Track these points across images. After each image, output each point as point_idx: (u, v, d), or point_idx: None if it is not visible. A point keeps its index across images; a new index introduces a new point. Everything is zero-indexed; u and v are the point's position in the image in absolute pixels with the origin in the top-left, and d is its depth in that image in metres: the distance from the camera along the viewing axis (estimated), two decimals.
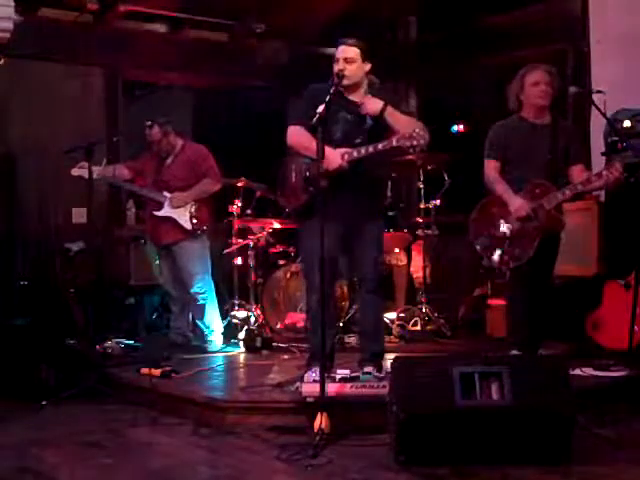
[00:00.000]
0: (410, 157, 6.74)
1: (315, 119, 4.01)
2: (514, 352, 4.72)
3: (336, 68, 4.48)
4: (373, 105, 4.49)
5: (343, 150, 4.44)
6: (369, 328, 4.72)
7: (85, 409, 4.65)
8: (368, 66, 4.55)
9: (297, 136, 4.56)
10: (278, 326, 6.28)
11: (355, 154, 4.43)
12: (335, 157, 4.39)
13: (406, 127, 4.36)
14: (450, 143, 5.28)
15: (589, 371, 4.56)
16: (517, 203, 4.66)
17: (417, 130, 4.24)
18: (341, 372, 4.14)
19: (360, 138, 4.50)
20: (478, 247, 4.83)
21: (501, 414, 3.41)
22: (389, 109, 4.46)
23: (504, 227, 4.73)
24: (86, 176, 5.34)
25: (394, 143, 4.32)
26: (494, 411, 3.42)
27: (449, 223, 6.46)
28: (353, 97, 4.57)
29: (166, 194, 5.83)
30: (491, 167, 4.84)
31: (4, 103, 6.84)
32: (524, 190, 4.70)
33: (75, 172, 5.69)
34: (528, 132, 4.80)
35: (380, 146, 4.39)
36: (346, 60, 4.48)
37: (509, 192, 4.72)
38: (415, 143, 4.24)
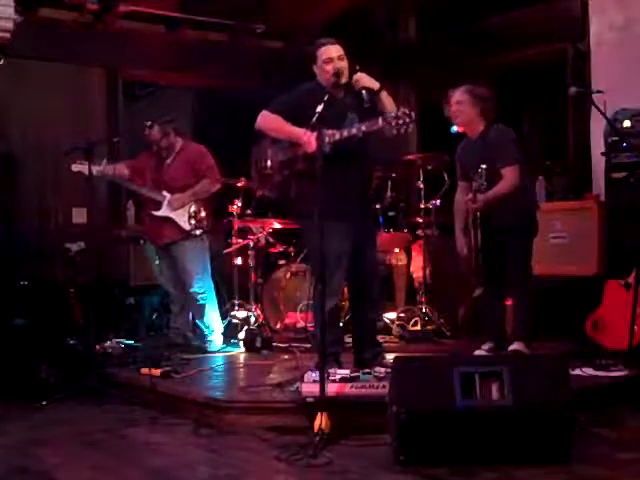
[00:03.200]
0: (410, 157, 6.77)
1: (315, 118, 4.00)
2: (488, 344, 5.06)
3: (332, 67, 4.48)
4: (370, 79, 4.50)
5: (329, 132, 4.35)
6: (372, 328, 4.77)
7: (85, 409, 4.66)
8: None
9: (268, 120, 4.63)
10: (278, 326, 6.28)
11: (337, 136, 4.37)
12: (311, 139, 4.28)
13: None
14: (450, 143, 5.29)
15: (589, 371, 4.56)
16: (459, 245, 5.12)
17: (403, 109, 4.17)
18: (341, 372, 4.14)
19: (353, 117, 4.50)
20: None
21: (501, 414, 3.41)
22: (384, 90, 4.49)
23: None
24: (86, 172, 5.34)
25: (380, 123, 4.25)
26: (494, 411, 3.42)
27: (449, 223, 6.45)
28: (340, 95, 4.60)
29: (165, 194, 5.83)
30: (459, 188, 5.22)
31: (4, 103, 6.84)
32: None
33: (75, 168, 5.67)
34: (469, 148, 5.09)
35: (364, 127, 4.34)
36: (340, 58, 4.52)
37: (459, 232, 5.13)
38: (401, 122, 4.14)
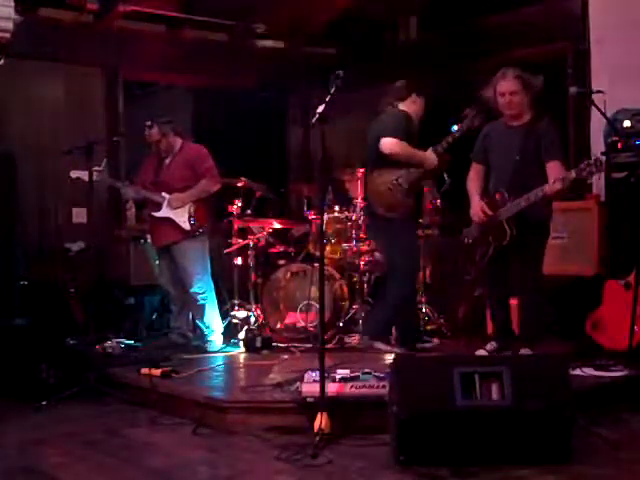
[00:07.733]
0: None
1: (315, 118, 4.02)
2: (491, 344, 5.06)
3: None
4: None
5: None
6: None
7: (85, 409, 4.66)
8: None
9: (401, 146, 5.21)
10: (278, 326, 6.28)
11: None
12: (431, 155, 5.31)
13: None
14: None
15: (589, 371, 4.56)
16: (475, 208, 4.95)
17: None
18: (341, 372, 4.14)
19: None
20: (466, 238, 5.16)
21: (501, 414, 3.41)
22: None
23: (473, 230, 5.06)
24: (85, 178, 5.33)
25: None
26: (494, 411, 3.42)
27: (449, 223, 6.46)
28: None
29: (165, 195, 5.82)
30: (472, 168, 5.12)
31: (4, 103, 6.84)
32: (488, 196, 4.93)
33: (74, 174, 5.67)
34: (503, 134, 4.96)
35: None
36: None
37: (475, 196, 5.00)
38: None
